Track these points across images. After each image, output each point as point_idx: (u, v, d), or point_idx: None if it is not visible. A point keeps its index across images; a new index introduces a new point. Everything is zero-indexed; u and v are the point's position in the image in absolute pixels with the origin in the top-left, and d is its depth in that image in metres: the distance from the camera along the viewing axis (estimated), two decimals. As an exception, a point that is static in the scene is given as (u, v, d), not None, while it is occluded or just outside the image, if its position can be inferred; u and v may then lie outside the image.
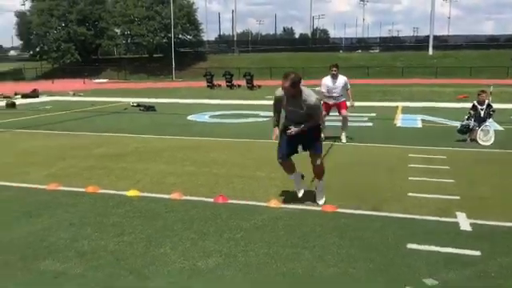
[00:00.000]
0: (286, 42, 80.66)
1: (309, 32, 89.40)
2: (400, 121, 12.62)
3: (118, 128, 11.37)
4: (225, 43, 77.15)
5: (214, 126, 12.07)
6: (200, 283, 3.27)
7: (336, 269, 3.48)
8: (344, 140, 9.03)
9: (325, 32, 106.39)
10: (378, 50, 62.39)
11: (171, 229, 4.32)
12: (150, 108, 16.06)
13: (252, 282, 3.29)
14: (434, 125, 11.82)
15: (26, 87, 28.42)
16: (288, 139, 4.85)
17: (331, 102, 9.08)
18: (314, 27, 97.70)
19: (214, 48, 68.55)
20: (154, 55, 59.31)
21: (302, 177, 5.17)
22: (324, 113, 9.08)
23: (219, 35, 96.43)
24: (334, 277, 3.37)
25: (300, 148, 5.02)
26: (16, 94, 23.06)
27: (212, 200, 5.18)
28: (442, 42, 59.71)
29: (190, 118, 13.65)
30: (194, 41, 61.14)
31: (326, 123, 9.96)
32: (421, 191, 5.46)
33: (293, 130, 4.72)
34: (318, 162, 4.96)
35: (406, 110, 15.16)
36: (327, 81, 9.04)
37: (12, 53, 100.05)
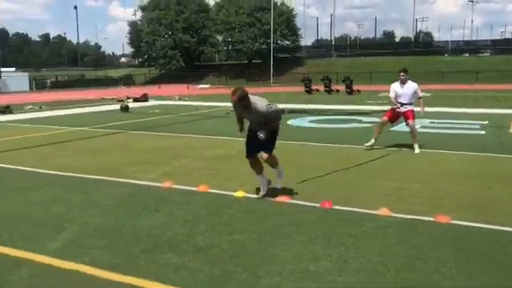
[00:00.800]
0: (386, 45, 78.05)
1: (411, 35, 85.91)
2: (517, 129, 11.65)
3: (222, 131, 11.78)
4: (322, 48, 76.72)
5: (314, 130, 12.07)
6: (312, 286, 3.30)
7: (454, 282, 3.32)
8: (417, 151, 8.48)
9: (428, 35, 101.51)
10: (488, 54, 58.21)
11: (280, 230, 4.40)
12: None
13: (365, 290, 3.25)
14: (557, 134, 10.76)
15: (137, 92, 30.61)
16: (251, 139, 5.52)
17: (398, 108, 8.76)
18: (417, 30, 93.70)
19: (311, 53, 68.54)
20: (253, 61, 60.78)
21: (269, 183, 5.67)
22: (386, 119, 8.93)
23: (317, 40, 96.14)
24: (453, 291, 3.22)
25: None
26: (128, 98, 24.89)
27: (318, 205, 5.18)
28: None
29: (289, 122, 13.77)
30: (292, 46, 61.70)
31: (395, 128, 9.59)
32: (547, 206, 5.01)
33: (261, 135, 5.28)
34: (264, 157, 5.46)
35: (522, 118, 13.95)
36: (396, 86, 8.87)
37: (123, 60, 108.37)
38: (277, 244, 4.05)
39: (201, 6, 61.00)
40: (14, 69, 58.35)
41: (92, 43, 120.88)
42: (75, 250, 3.97)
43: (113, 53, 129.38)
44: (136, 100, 24.33)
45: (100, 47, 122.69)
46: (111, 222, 4.72)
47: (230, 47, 62.62)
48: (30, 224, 4.70)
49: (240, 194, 5.66)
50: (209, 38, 60.46)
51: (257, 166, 5.63)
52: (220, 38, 61.17)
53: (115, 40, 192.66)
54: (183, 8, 58.92)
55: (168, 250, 3.94)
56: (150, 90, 35.79)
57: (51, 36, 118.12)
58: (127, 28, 66.92)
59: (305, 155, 8.34)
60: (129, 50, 76.31)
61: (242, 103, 5.16)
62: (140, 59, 69.78)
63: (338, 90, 30.02)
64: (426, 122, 13.04)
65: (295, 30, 60.75)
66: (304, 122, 13.87)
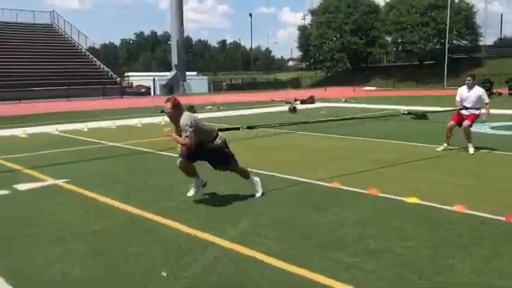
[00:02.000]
0: None
1: None
2: None
3: (389, 135, 11.45)
4: (506, 47, 68.93)
5: (495, 138, 10.97)
6: (497, 304, 3.04)
7: None
8: (471, 150, 8.56)
9: None
10: None
11: (458, 242, 4.13)
12: (421, 116, 15.62)
13: None
14: None
15: (303, 94, 31.40)
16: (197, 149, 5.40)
17: (463, 111, 8.83)
18: None
19: (492, 52, 62.13)
20: (424, 62, 57.56)
21: (204, 185, 5.78)
22: (452, 123, 8.86)
23: (499, 38, 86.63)
24: None
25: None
26: (296, 100, 25.71)
27: (502, 218, 4.72)
28: None
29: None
30: (470, 46, 56.74)
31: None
32: None
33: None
34: (231, 171, 5.75)
35: None
36: (462, 89, 9.01)
37: (290, 63, 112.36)
38: (454, 255, 3.81)
39: (370, 7, 59.85)
40: (195, 73, 65.01)
41: (263, 48, 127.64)
42: (253, 238, 4.29)
43: (281, 57, 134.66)
44: (303, 102, 24.98)
45: (270, 52, 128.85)
46: (283, 216, 4.97)
47: (399, 48, 60.27)
48: (213, 212, 5.21)
49: (412, 200, 5.45)
50: (377, 39, 59.03)
51: (188, 171, 5.64)
52: (389, 38, 59.27)
53: (284, 44, 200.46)
54: (353, 10, 58.52)
55: (339, 249, 4.00)
56: (316, 92, 36.31)
57: (227, 42, 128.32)
58: (296, 32, 69.17)
59: (486, 163, 7.66)
60: (297, 53, 78.91)
61: (175, 111, 5.27)
62: (307, 62, 71.48)
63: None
64: None
65: (474, 29, 55.70)
66: (484, 127, 12.66)
